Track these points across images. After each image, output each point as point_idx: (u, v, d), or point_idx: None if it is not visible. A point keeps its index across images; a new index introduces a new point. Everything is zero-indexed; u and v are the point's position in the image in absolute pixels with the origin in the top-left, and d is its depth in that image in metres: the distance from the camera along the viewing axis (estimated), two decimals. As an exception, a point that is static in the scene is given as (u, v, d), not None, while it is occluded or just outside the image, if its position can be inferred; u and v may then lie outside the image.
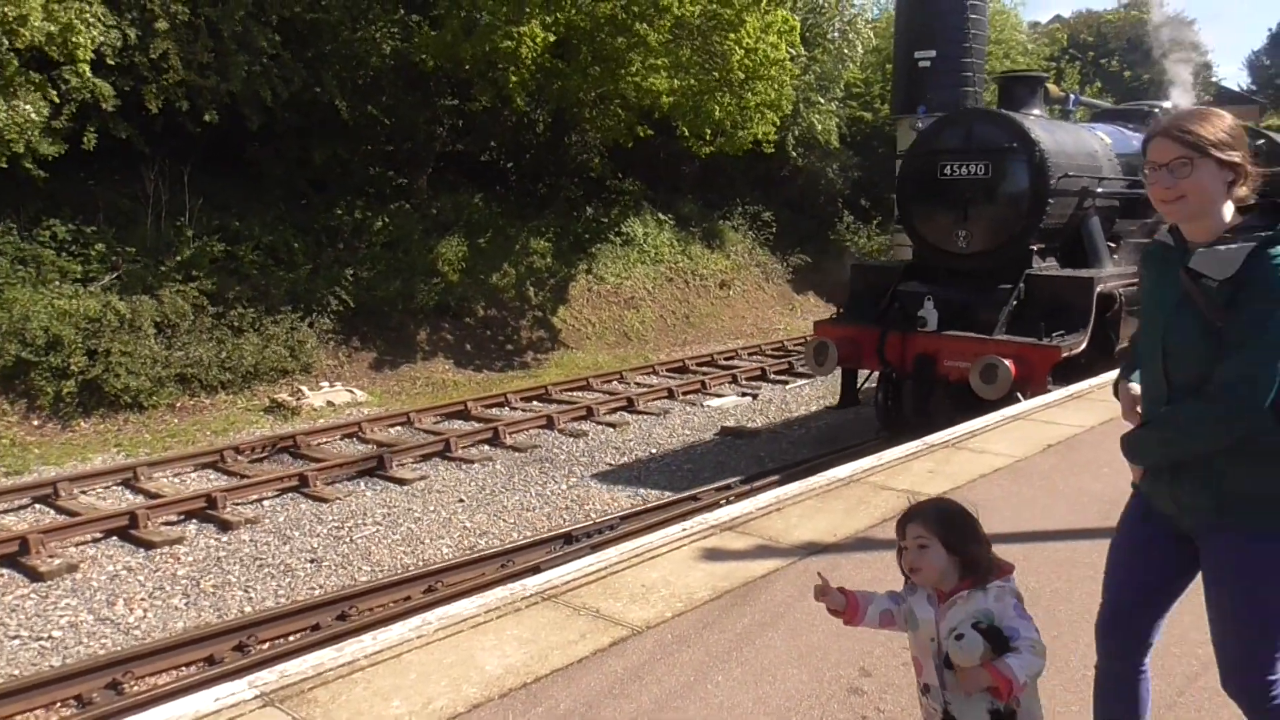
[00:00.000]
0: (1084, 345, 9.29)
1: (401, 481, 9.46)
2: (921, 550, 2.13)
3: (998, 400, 8.59)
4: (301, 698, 3.25)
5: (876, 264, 13.98)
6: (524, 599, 4.12)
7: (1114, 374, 2.50)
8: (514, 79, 15.34)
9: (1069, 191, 10.08)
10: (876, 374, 10.41)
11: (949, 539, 2.11)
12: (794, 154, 22.68)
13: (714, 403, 13.09)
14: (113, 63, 11.94)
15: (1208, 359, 2.15)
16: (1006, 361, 8.77)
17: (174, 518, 8.36)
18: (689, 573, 4.45)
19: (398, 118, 16.42)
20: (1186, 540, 2.32)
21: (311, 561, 7.59)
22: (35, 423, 10.75)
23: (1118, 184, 11.09)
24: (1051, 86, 14.71)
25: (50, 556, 7.43)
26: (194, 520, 8.36)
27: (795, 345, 17.31)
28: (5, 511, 8.54)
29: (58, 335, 10.98)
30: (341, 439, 11.00)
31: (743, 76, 16.68)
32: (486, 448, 10.76)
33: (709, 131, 17.81)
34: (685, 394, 13.43)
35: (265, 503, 8.85)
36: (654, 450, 10.88)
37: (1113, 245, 10.98)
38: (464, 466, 10.07)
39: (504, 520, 8.57)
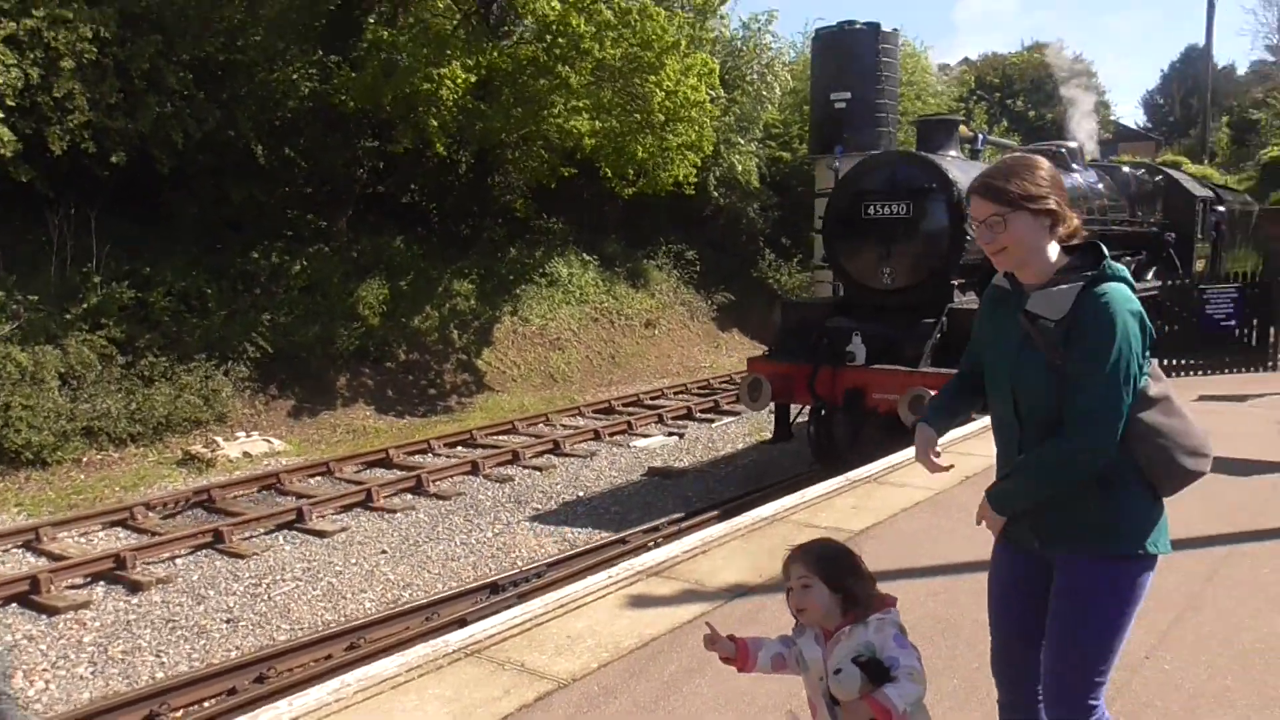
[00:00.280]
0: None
1: (322, 534, 9.19)
2: (805, 590, 2.18)
3: None
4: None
5: (805, 301, 14.26)
6: (447, 656, 4.02)
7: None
8: (434, 122, 15.29)
9: (986, 228, 10.38)
10: (809, 408, 10.57)
11: (831, 577, 2.16)
12: (716, 194, 22.98)
13: (641, 443, 13.06)
14: (13, 103, 11.55)
15: (1054, 396, 2.26)
16: (933, 393, 8.93)
17: (79, 581, 7.97)
18: (615, 621, 4.40)
19: (317, 159, 16.20)
20: (1052, 570, 2.39)
21: (227, 621, 7.31)
22: (-71, 482, 10.22)
23: None
24: (961, 127, 15.19)
25: (-58, 626, 7.03)
26: (101, 582, 7.98)
27: (721, 383, 17.42)
28: (-106, 578, 8.06)
29: (-47, 389, 10.49)
30: (259, 491, 10.67)
31: (663, 118, 16.88)
32: (410, 496, 10.54)
33: (632, 172, 17.96)
34: (612, 435, 13.37)
35: (178, 561, 8.50)
36: (581, 493, 10.78)
37: None
38: (386, 516, 9.84)
39: (428, 571, 8.38)
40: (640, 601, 4.66)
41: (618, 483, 11.23)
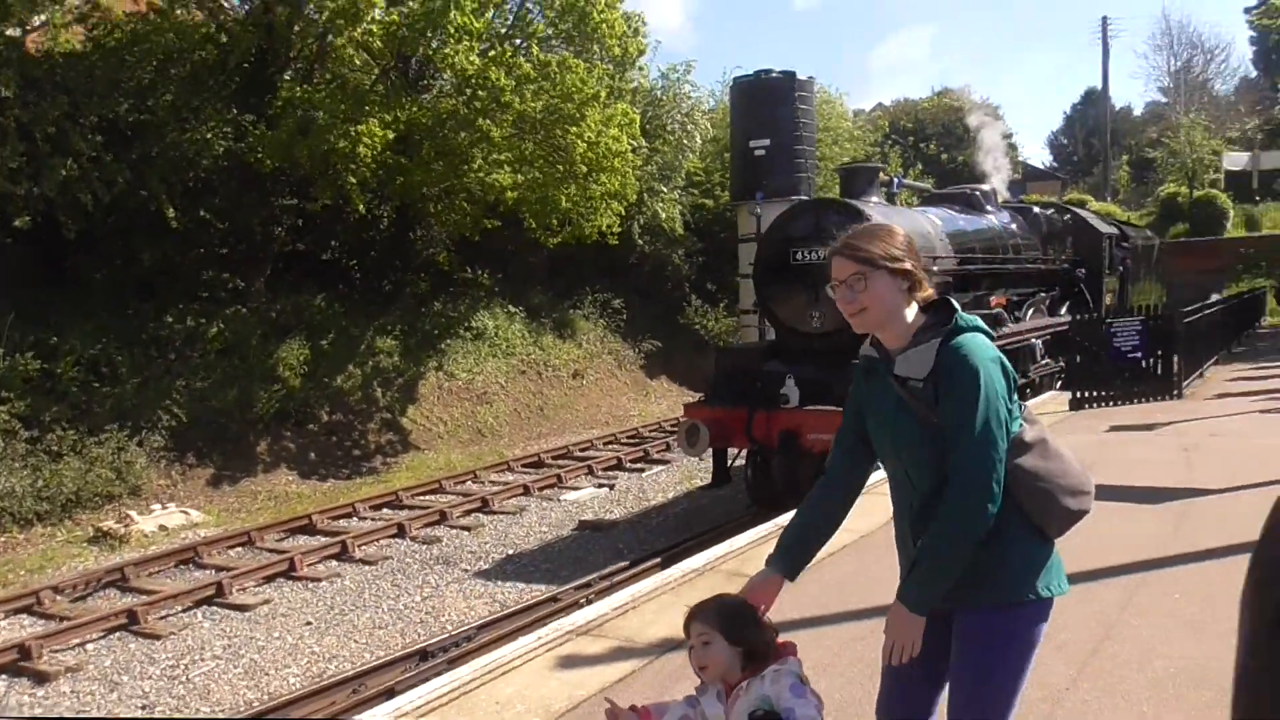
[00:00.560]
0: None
1: (243, 608, 8.85)
2: (705, 647, 2.19)
3: None
4: None
5: (739, 347, 14.45)
6: (370, 734, 3.88)
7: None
8: (353, 179, 15.16)
9: (908, 271, 10.71)
10: (745, 451, 10.67)
11: (729, 632, 2.18)
12: (640, 242, 23.15)
13: (571, 496, 12.93)
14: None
15: (937, 455, 2.28)
16: None
17: (-21, 671, 7.55)
18: (545, 684, 4.33)
19: (232, 218, 15.89)
20: (945, 621, 2.38)
21: (143, 708, 6.96)
22: None
23: (950, 261, 11.88)
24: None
25: None
26: (3, 675, 7.53)
27: (650, 431, 17.40)
28: None
29: None
30: (176, 566, 10.23)
31: (586, 169, 17.00)
32: (334, 563, 10.23)
33: (556, 222, 18.02)
34: (541, 489, 13.22)
35: (89, 646, 8.06)
36: (511, 551, 10.60)
37: None
38: (311, 586, 9.52)
39: (355, 641, 8.12)
40: (570, 662, 4.60)
41: (548, 538, 11.07)
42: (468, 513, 12.05)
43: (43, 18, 13.75)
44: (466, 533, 11.30)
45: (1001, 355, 2.33)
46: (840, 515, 2.59)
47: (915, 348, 2.34)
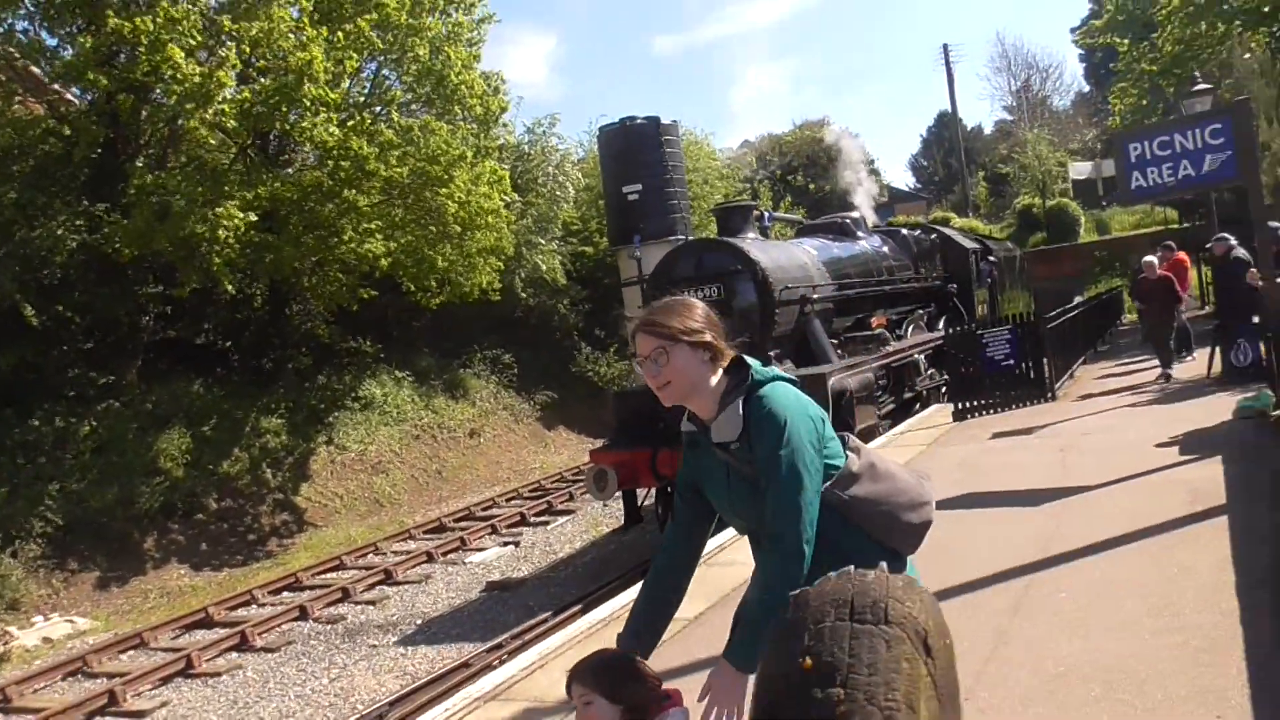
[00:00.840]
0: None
1: (139, 714, 8.46)
2: (587, 707, 2.18)
3: None
4: None
5: (635, 389, 14.51)
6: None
7: None
8: (218, 260, 14.73)
9: (791, 301, 11.21)
10: (654, 490, 10.72)
11: (608, 689, 2.18)
12: (524, 295, 23.14)
13: (476, 558, 12.74)
14: None
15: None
16: None
17: None
18: (456, 758, 4.23)
19: (95, 312, 15.27)
20: None
21: (29, 836, 6.54)
22: None
23: (829, 289, 12.31)
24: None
25: None
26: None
27: (552, 483, 17.30)
28: None
29: None
30: (64, 679, 9.69)
31: (459, 229, 16.96)
32: (235, 655, 9.83)
33: (434, 282, 17.88)
34: (445, 554, 12.98)
35: (-33, 777, 7.59)
36: (419, 621, 10.37)
37: (835, 341, 12.03)
38: (210, 682, 9.13)
39: (260, 734, 7.81)
40: (480, 731, 4.52)
41: (456, 603, 10.88)
42: (371, 586, 11.76)
43: None
44: (372, 607, 11.02)
45: (806, 399, 2.40)
46: (685, 584, 2.62)
47: (723, 412, 2.40)
